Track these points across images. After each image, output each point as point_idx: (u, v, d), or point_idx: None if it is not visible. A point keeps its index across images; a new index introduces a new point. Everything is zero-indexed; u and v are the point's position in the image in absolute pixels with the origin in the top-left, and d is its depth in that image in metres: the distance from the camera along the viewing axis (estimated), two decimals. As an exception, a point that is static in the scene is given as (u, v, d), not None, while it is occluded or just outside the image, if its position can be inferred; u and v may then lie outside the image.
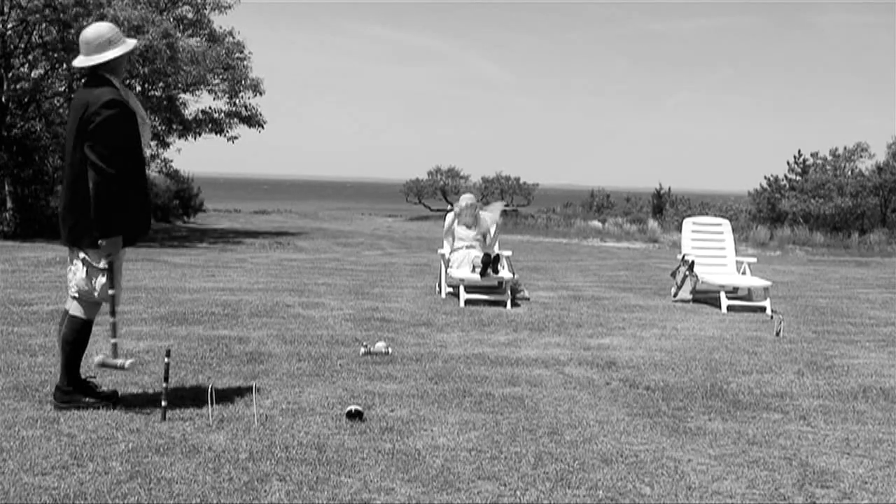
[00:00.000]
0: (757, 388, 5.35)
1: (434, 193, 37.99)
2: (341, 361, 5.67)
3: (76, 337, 4.32)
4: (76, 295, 4.32)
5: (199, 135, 23.46)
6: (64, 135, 19.20)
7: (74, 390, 4.32)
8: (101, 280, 4.26)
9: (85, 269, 4.27)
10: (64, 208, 4.21)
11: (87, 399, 4.32)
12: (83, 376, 4.44)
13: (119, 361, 4.36)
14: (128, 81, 20.51)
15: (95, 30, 4.15)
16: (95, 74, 4.13)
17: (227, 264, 12.55)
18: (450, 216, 9.62)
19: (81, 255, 4.24)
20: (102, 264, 4.24)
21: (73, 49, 16.69)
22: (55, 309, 7.43)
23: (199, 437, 3.92)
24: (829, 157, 29.00)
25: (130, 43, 4.24)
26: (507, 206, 33.74)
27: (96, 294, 4.30)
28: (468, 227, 9.37)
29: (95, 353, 4.64)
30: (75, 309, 4.35)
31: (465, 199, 9.57)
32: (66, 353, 4.32)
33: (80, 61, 4.16)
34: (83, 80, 4.20)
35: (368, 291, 9.46)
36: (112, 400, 4.38)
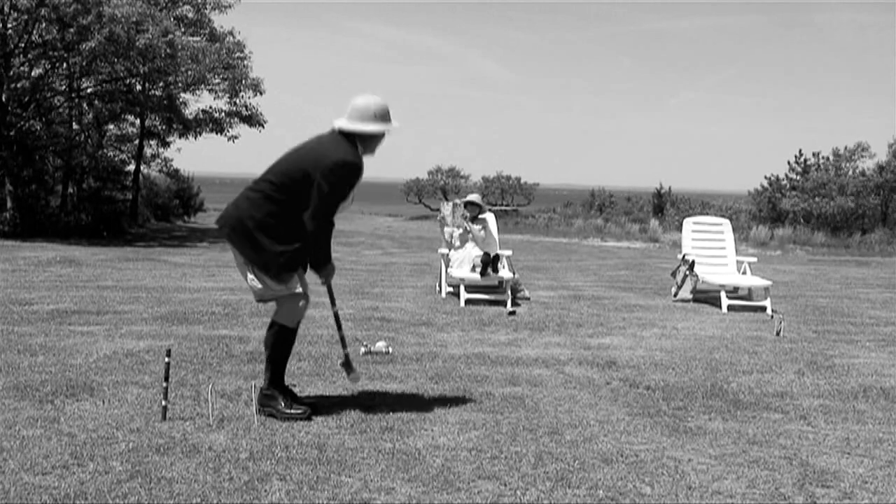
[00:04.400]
0: (757, 387, 5.35)
1: (434, 193, 37.98)
2: (341, 361, 5.66)
3: (280, 345, 4.35)
4: (258, 298, 4.34)
5: (200, 134, 23.46)
6: (64, 134, 19.29)
7: (275, 396, 4.31)
8: (280, 287, 4.27)
9: (255, 272, 4.25)
10: (242, 220, 4.21)
11: (284, 408, 4.27)
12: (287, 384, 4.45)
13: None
14: (128, 81, 20.53)
15: (365, 100, 4.27)
16: (351, 138, 4.25)
17: (227, 264, 12.55)
18: (447, 215, 9.60)
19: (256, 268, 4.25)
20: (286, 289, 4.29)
21: (72, 49, 16.70)
22: (55, 308, 7.43)
23: (199, 437, 3.92)
24: (830, 157, 28.98)
25: (389, 126, 4.31)
26: (495, 207, 33.73)
27: (279, 292, 4.27)
28: (458, 227, 9.36)
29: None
30: (277, 315, 4.34)
31: (471, 197, 9.56)
32: (272, 361, 4.34)
33: (341, 124, 4.26)
34: (335, 132, 4.29)
35: (368, 291, 9.46)
36: (308, 412, 4.31)
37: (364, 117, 4.22)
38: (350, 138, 4.24)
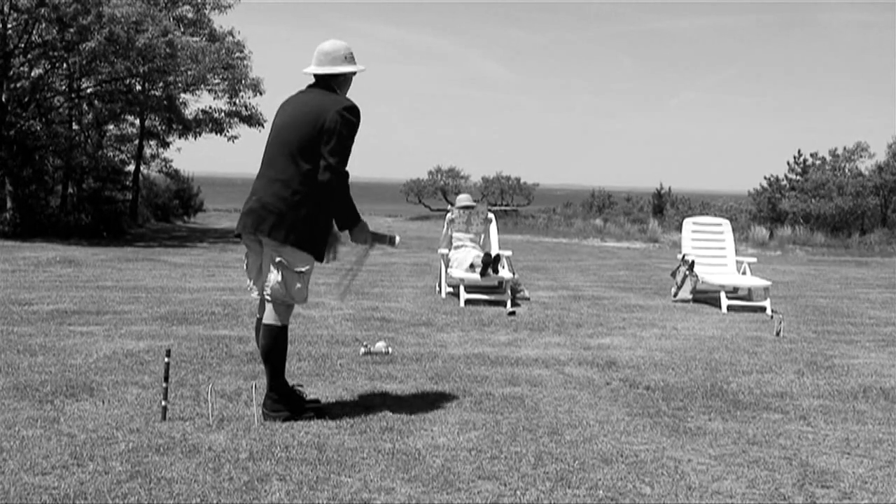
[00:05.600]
0: (757, 387, 5.35)
1: (434, 193, 37.99)
2: (341, 361, 5.67)
3: (275, 344, 4.25)
4: (269, 299, 4.24)
5: (200, 134, 23.47)
6: (64, 134, 19.28)
7: (281, 399, 4.26)
8: (299, 285, 4.23)
9: (280, 272, 4.19)
10: (267, 206, 4.15)
11: (292, 411, 4.26)
12: (291, 384, 4.42)
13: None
14: (128, 81, 20.52)
15: (333, 44, 4.28)
16: (325, 84, 4.25)
17: (227, 264, 12.55)
18: (449, 216, 9.62)
19: (278, 258, 4.17)
20: (301, 268, 4.22)
21: (72, 49, 16.69)
22: (55, 309, 7.43)
23: (199, 437, 3.92)
24: (829, 157, 28.99)
25: (361, 67, 4.34)
26: (494, 206, 33.72)
27: (292, 298, 4.25)
28: (465, 229, 9.37)
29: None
30: (270, 317, 4.25)
31: (461, 200, 9.58)
32: (270, 363, 4.25)
33: (315, 70, 4.26)
34: (308, 87, 4.32)
35: (368, 291, 9.46)
36: (319, 409, 4.34)
37: (337, 60, 4.24)
38: (328, 86, 4.25)
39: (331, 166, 4.08)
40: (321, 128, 4.08)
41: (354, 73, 4.33)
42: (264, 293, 4.26)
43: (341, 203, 4.19)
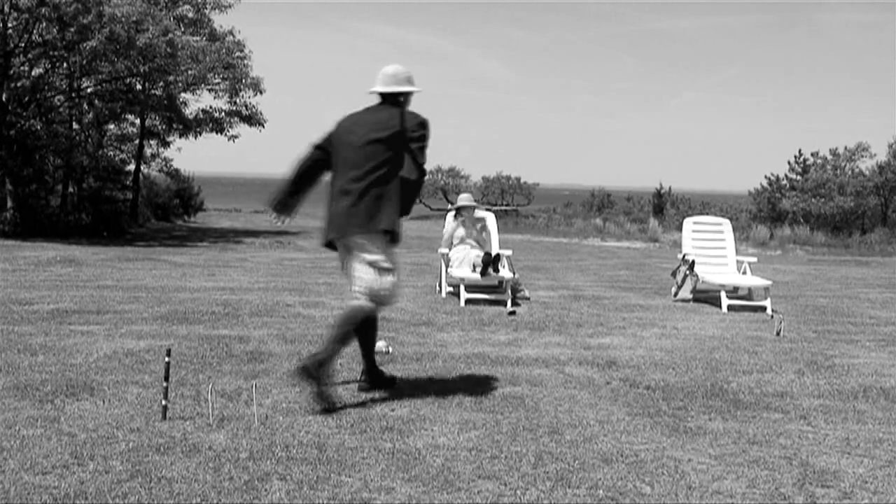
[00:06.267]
0: (757, 387, 5.35)
1: (434, 193, 38.00)
2: (341, 361, 5.67)
3: (357, 321, 4.68)
4: (364, 295, 4.69)
5: (200, 134, 23.48)
6: (64, 133, 19.29)
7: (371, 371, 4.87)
8: (390, 278, 4.70)
9: (374, 270, 4.65)
10: (363, 203, 4.60)
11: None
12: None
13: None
14: (129, 81, 20.54)
15: (396, 68, 4.86)
16: (393, 102, 4.80)
17: (227, 263, 12.56)
18: (450, 216, 9.62)
19: (369, 257, 4.64)
20: (388, 264, 4.68)
21: (73, 48, 16.71)
22: (55, 308, 7.44)
23: (199, 437, 3.92)
24: (830, 157, 28.99)
25: (420, 88, 4.92)
26: (494, 206, 33.72)
27: (385, 292, 4.72)
28: (466, 229, 9.37)
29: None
30: (362, 302, 4.71)
31: (462, 199, 9.57)
32: (341, 333, 4.59)
33: (384, 89, 4.80)
34: (378, 104, 4.83)
35: (369, 291, 9.45)
36: (390, 383, 4.95)
37: (402, 81, 4.81)
38: (395, 103, 4.81)
39: (420, 168, 4.73)
40: (406, 138, 4.67)
41: (413, 93, 4.92)
42: (358, 281, 4.71)
43: (414, 196, 4.83)
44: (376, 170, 4.62)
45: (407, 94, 4.85)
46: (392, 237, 4.71)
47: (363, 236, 4.60)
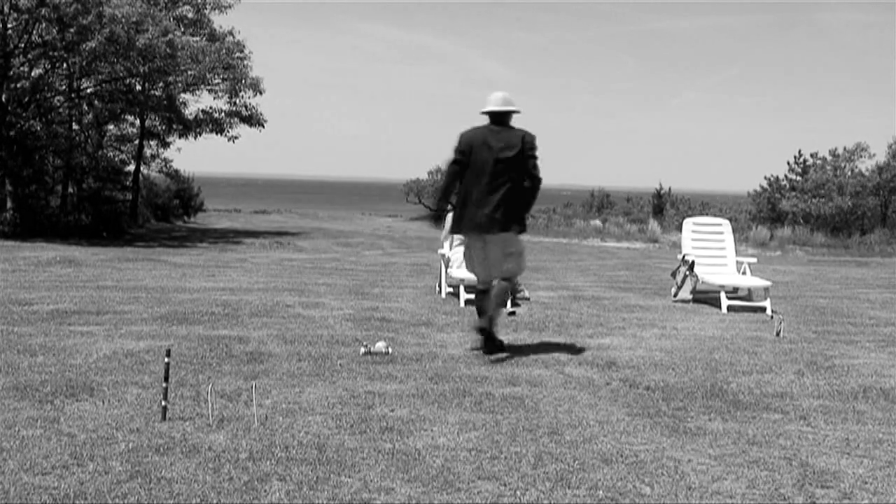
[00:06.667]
0: (757, 388, 5.35)
1: (434, 193, 37.97)
2: (341, 361, 5.67)
3: (508, 292, 6.33)
4: (508, 275, 6.19)
5: (200, 134, 23.48)
6: (64, 134, 19.29)
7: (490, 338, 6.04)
8: (520, 260, 6.26)
9: (513, 257, 6.14)
10: (501, 209, 5.93)
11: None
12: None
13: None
14: (128, 81, 20.55)
15: (503, 93, 6.08)
16: (502, 121, 6.03)
17: (227, 264, 12.56)
18: (450, 216, 9.61)
19: (508, 249, 6.08)
20: (519, 251, 6.21)
21: (73, 49, 16.70)
22: (55, 308, 7.44)
23: (199, 437, 3.92)
24: (829, 158, 28.98)
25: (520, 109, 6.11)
26: None
27: (518, 271, 6.38)
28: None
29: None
30: (504, 283, 6.15)
31: None
32: (498, 301, 6.16)
33: (498, 108, 6.02)
34: (499, 123, 6.04)
35: (368, 291, 9.46)
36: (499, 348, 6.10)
37: (509, 103, 6.03)
38: (504, 122, 6.03)
39: (537, 176, 6.02)
40: (525, 155, 5.94)
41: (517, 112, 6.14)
42: (504, 267, 6.11)
43: (533, 199, 6.15)
44: (506, 182, 5.89)
45: (512, 114, 6.06)
46: (521, 231, 6.08)
47: (503, 234, 5.97)
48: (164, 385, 4.22)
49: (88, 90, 20.41)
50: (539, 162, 6.00)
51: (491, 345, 6.02)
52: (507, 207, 5.91)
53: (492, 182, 5.86)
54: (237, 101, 23.16)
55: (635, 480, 3.56)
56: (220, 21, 42.44)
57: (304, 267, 12.36)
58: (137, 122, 23.45)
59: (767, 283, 9.13)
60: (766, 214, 28.19)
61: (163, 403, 4.20)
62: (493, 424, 4.30)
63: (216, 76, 21.84)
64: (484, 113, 6.03)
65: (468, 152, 5.91)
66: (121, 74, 19.66)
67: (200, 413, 4.30)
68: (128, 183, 23.29)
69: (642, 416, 4.59)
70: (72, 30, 16.08)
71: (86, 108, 20.69)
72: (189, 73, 20.52)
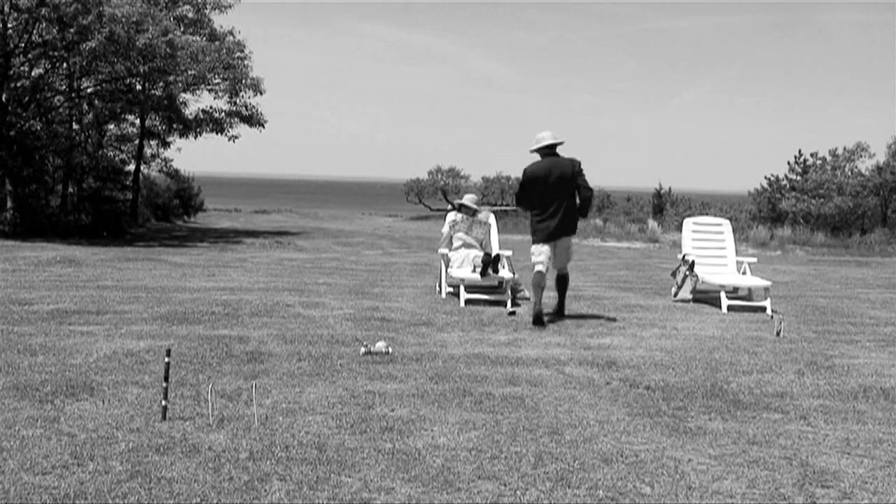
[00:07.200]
0: (757, 387, 5.35)
1: (434, 193, 37.98)
2: (341, 361, 5.67)
3: (568, 279, 8.34)
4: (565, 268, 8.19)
5: (200, 134, 23.48)
6: (64, 133, 19.31)
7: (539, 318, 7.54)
8: (572, 253, 8.22)
9: (572, 252, 8.16)
10: (564, 221, 7.79)
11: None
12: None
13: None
14: (128, 81, 20.55)
15: (549, 131, 7.86)
16: (554, 151, 7.81)
17: (227, 264, 12.56)
18: (449, 216, 9.61)
19: (570, 248, 8.09)
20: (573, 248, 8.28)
21: (73, 48, 16.71)
22: (55, 308, 7.44)
23: (199, 437, 3.92)
24: (829, 157, 28.97)
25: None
26: (495, 207, 33.71)
27: (569, 262, 8.26)
28: (466, 232, 9.37)
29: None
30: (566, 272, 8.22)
31: (466, 199, 9.57)
32: (564, 287, 8.21)
33: (552, 141, 7.80)
34: (547, 152, 7.82)
35: (368, 291, 9.46)
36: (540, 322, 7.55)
37: (557, 137, 7.78)
38: (555, 151, 7.84)
39: (591, 190, 7.89)
40: (575, 175, 7.72)
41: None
42: (565, 260, 8.04)
43: (588, 207, 7.99)
44: (566, 198, 7.74)
45: (559, 145, 7.81)
46: (573, 234, 8.01)
47: (569, 237, 7.93)
48: (164, 385, 4.22)
49: (88, 90, 20.41)
50: (588, 180, 7.82)
51: (547, 318, 7.75)
52: (570, 217, 7.83)
53: (555, 202, 7.71)
54: (237, 101, 23.16)
55: (635, 480, 3.56)
56: (220, 21, 42.46)
57: (304, 267, 12.36)
58: (137, 121, 23.45)
59: (767, 283, 9.13)
60: (766, 214, 28.18)
61: (163, 403, 4.20)
62: (493, 424, 4.30)
63: (216, 76, 21.84)
64: (535, 150, 7.79)
65: (531, 183, 7.75)
66: (121, 74, 19.65)
67: (200, 413, 4.30)
68: (128, 183, 23.29)
69: (642, 415, 4.59)
70: (72, 29, 16.07)
71: (86, 107, 20.68)
72: (189, 72, 20.51)
